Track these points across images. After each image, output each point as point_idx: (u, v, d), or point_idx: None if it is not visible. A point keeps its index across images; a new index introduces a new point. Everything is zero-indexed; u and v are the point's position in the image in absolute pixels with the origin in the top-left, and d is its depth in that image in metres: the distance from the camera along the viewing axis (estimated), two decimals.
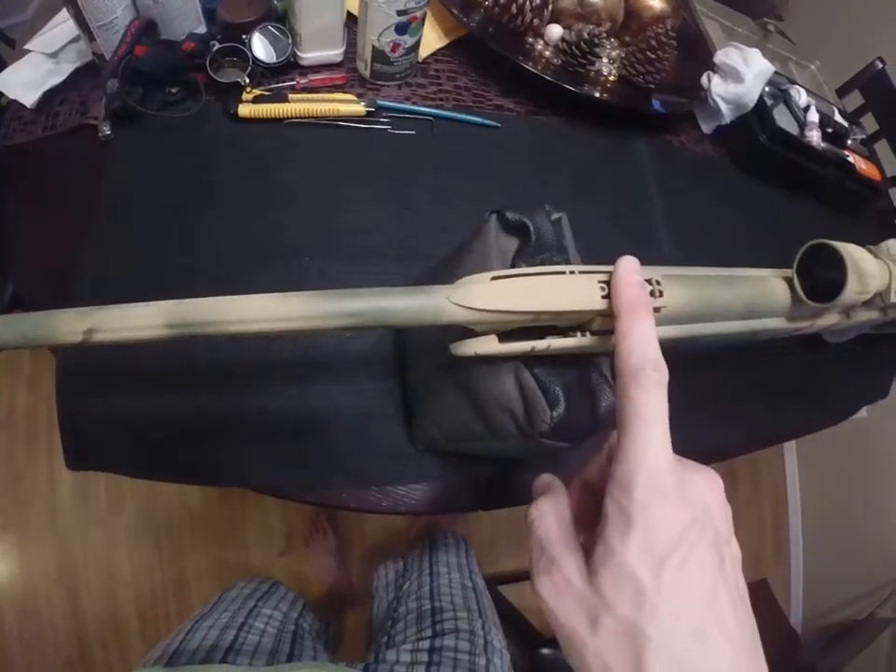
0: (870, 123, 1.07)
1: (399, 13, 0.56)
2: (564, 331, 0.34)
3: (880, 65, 1.08)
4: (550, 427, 0.34)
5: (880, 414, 1.29)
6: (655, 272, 0.35)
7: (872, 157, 0.88)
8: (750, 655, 0.22)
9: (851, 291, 0.42)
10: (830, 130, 0.84)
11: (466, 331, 0.34)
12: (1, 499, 1.11)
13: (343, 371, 0.49)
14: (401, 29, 0.58)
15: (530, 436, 0.35)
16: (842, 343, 0.72)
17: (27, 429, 1.13)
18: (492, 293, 0.31)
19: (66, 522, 1.13)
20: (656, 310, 0.35)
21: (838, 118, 0.86)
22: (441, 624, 0.56)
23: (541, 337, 0.34)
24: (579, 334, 0.34)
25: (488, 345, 0.33)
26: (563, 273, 0.32)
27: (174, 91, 0.61)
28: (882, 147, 1.05)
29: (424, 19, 0.59)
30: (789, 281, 0.44)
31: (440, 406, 0.43)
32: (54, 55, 0.61)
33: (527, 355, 0.34)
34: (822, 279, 0.42)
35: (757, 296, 0.42)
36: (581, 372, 0.36)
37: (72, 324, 0.27)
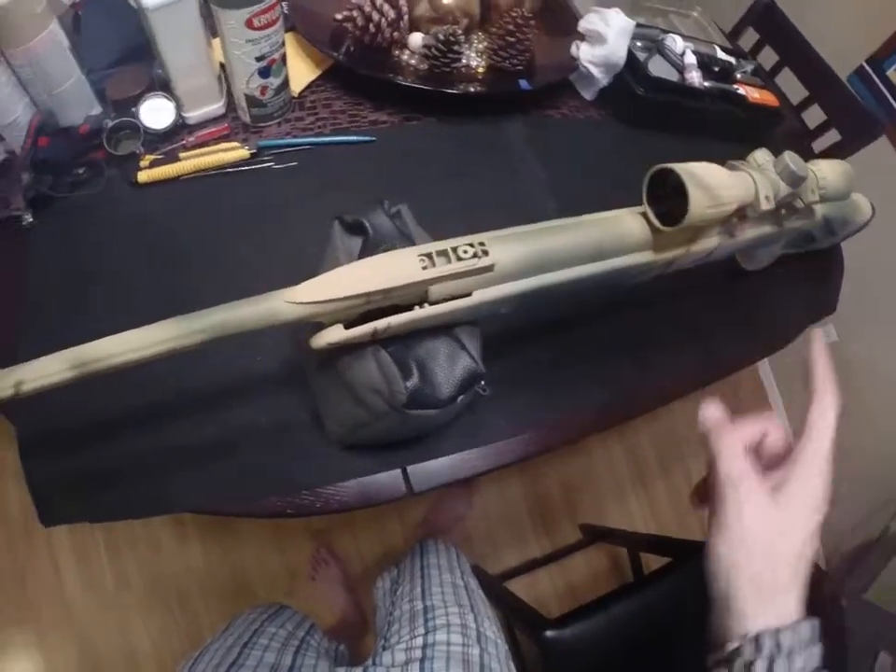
0: (771, 56, 1.09)
1: (258, 59, 0.61)
2: (409, 308, 0.37)
3: None
4: (407, 396, 0.36)
5: (851, 335, 1.29)
6: (478, 237, 0.38)
7: (767, 85, 0.90)
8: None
9: (699, 206, 0.43)
10: (716, 68, 0.86)
11: (318, 326, 0.37)
12: (11, 596, 1.13)
13: (260, 391, 0.52)
14: (264, 73, 0.62)
15: (397, 409, 0.37)
16: (768, 269, 0.74)
17: (22, 522, 1.15)
18: (321, 287, 0.35)
19: (78, 607, 1.15)
20: (487, 269, 0.37)
21: (722, 55, 0.88)
22: (432, 621, 0.56)
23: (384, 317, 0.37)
24: (417, 307, 0.37)
25: (335, 334, 0.36)
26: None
27: (80, 171, 0.65)
28: (788, 75, 1.07)
29: (284, 59, 0.63)
30: (644, 214, 0.46)
31: (331, 403, 0.45)
32: None
33: (378, 336, 0.37)
34: (677, 202, 0.43)
35: (606, 235, 0.44)
36: (435, 343, 0.39)
37: (1, 381, 0.32)
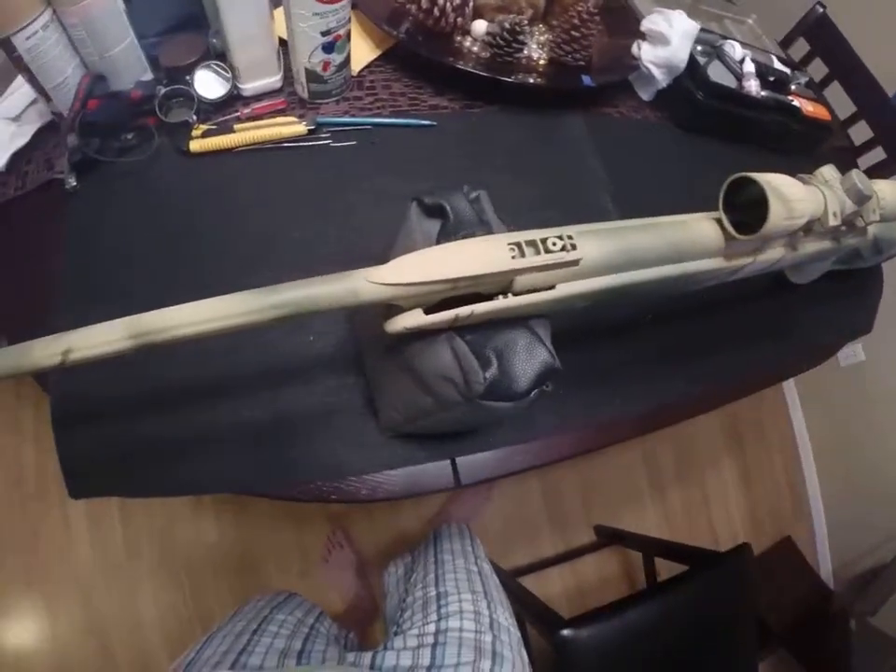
0: (821, 68, 1.08)
1: (323, 34, 0.60)
2: (489, 297, 0.37)
3: (821, 10, 1.09)
4: (485, 387, 0.35)
5: (878, 356, 1.28)
6: (566, 230, 0.37)
7: (819, 98, 0.89)
8: None
9: (777, 217, 0.43)
10: (771, 78, 0.85)
11: (394, 309, 0.36)
12: (21, 558, 1.14)
13: (309, 373, 0.52)
14: (328, 48, 0.61)
15: (471, 400, 0.37)
16: (812, 283, 0.73)
17: (38, 486, 1.16)
18: (407, 269, 0.34)
19: (87, 573, 1.15)
20: (573, 263, 0.37)
21: (778, 65, 0.87)
22: (445, 608, 0.56)
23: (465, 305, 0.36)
24: (500, 297, 0.36)
25: (415, 318, 0.35)
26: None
27: (129, 136, 0.63)
28: (835, 88, 1.06)
29: (348, 35, 0.62)
30: (719, 221, 0.46)
31: (392, 389, 0.45)
32: (17, 118, 0.65)
33: (455, 324, 0.36)
34: (749, 211, 0.43)
35: (683, 238, 0.44)
36: (513, 334, 0.38)
37: (49, 348, 0.30)
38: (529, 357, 0.37)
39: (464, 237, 0.39)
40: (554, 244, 0.36)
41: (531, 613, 0.88)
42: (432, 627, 0.53)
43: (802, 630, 1.16)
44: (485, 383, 0.35)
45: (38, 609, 1.12)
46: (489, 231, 0.41)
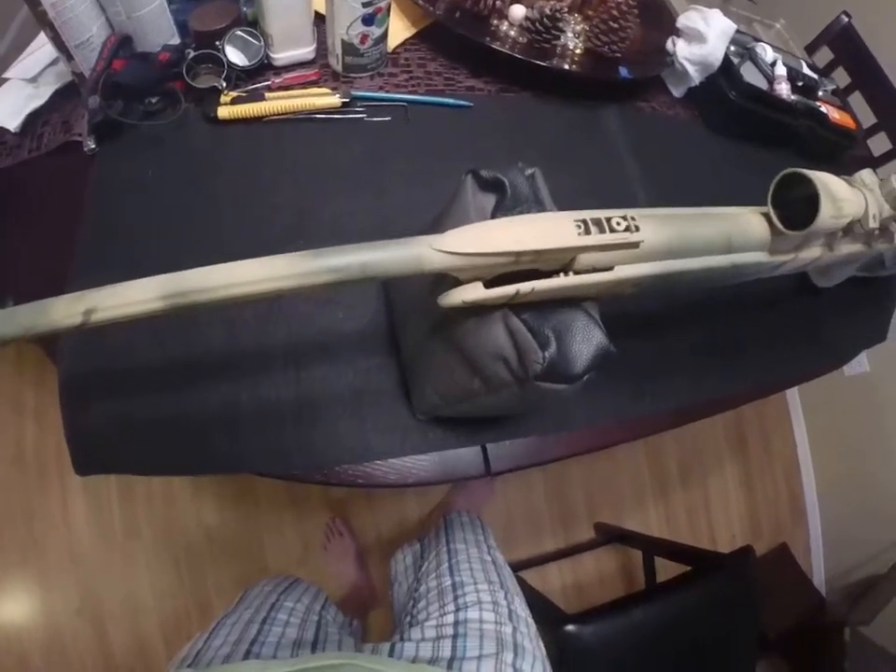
0: (842, 77, 1.08)
1: (365, 4, 0.58)
2: (547, 275, 0.36)
3: (846, 19, 1.09)
4: (543, 367, 0.34)
5: (883, 367, 1.29)
6: (629, 212, 0.36)
7: (845, 107, 0.89)
8: None
9: (826, 215, 0.43)
10: (800, 83, 0.85)
11: (446, 284, 0.35)
12: (17, 535, 1.11)
13: (338, 351, 0.50)
14: (368, 20, 0.60)
15: (525, 380, 0.35)
16: (833, 288, 0.73)
17: (37, 463, 1.13)
18: (472, 238, 0.33)
19: (83, 553, 1.13)
20: (634, 245, 0.36)
21: (807, 70, 0.87)
22: (463, 598, 0.55)
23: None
24: (562, 274, 0.35)
25: (475, 292, 0.34)
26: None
27: (153, 101, 0.61)
28: (856, 99, 1.06)
29: (389, 8, 0.61)
30: (766, 216, 0.45)
31: (434, 370, 0.43)
32: (33, 80, 0.63)
33: (513, 301, 0.35)
34: (797, 208, 0.43)
35: (734, 230, 0.43)
36: (569, 315, 0.37)
37: (69, 307, 0.28)
38: (585, 339, 0.36)
39: (519, 213, 0.38)
40: (619, 223, 0.35)
41: (534, 608, 0.87)
42: (450, 618, 0.52)
43: (795, 637, 1.17)
44: (544, 363, 0.34)
45: (32, 587, 1.10)
46: (542, 209, 0.40)
